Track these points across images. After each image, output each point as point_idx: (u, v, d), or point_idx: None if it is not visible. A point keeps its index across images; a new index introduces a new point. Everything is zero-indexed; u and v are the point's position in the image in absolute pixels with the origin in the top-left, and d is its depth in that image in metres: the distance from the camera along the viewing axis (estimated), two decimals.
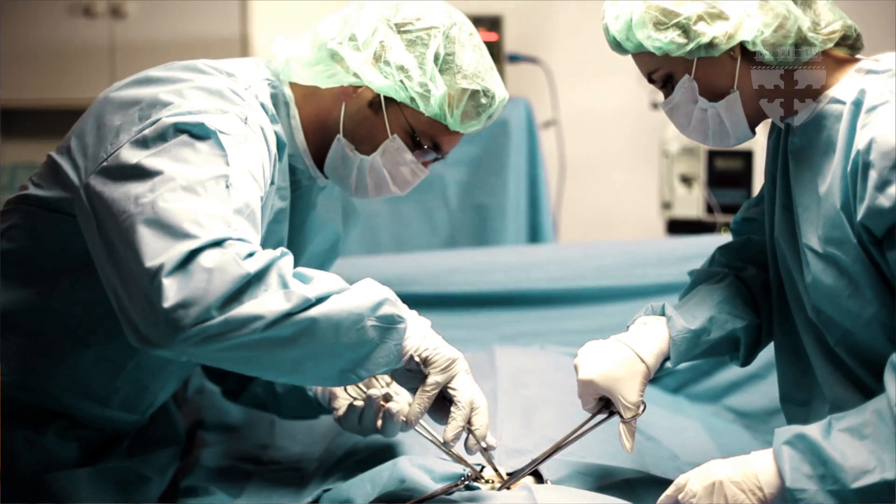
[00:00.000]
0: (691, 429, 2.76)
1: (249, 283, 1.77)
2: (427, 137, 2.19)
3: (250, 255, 1.79)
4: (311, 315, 1.80)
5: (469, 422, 1.97)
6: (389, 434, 2.22)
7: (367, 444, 2.34)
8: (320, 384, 2.15)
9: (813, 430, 1.79)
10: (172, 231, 1.78)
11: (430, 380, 1.94)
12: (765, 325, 2.20)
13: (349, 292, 1.86)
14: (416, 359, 1.93)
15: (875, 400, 1.79)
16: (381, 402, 2.19)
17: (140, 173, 1.88)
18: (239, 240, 1.80)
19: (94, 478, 2.22)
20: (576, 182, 4.97)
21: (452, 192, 4.36)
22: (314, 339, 1.81)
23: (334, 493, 2.16)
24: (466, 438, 1.99)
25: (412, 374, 1.98)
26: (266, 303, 1.77)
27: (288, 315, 1.78)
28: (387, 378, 2.26)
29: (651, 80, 2.05)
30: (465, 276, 3.34)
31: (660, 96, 2.09)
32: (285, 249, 1.86)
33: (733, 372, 3.03)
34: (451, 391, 1.96)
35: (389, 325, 1.89)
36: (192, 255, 1.75)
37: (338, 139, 2.20)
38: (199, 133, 1.92)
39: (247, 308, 1.76)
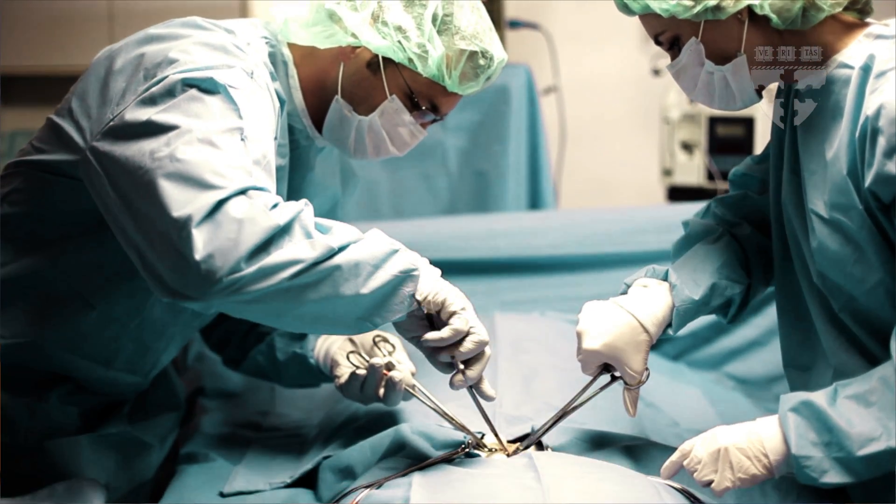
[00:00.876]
0: (692, 396, 2.76)
1: (277, 234, 1.77)
2: (425, 98, 2.17)
3: (275, 205, 1.79)
4: (335, 263, 1.81)
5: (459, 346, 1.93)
6: (391, 403, 2.22)
7: (368, 411, 2.34)
8: (337, 332, 2.14)
9: (819, 396, 1.79)
10: (195, 182, 1.78)
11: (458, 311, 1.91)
12: (754, 285, 2.20)
13: (365, 241, 1.87)
14: (432, 300, 1.91)
15: (881, 367, 1.78)
16: (384, 371, 2.19)
17: (152, 130, 1.87)
18: (262, 189, 1.81)
19: (94, 444, 2.22)
20: (576, 148, 4.96)
21: (452, 158, 4.34)
22: (337, 287, 1.81)
23: (334, 461, 2.16)
24: (453, 375, 1.96)
25: (418, 321, 1.96)
26: (294, 252, 1.78)
27: (315, 264, 1.79)
28: (389, 347, 2.26)
29: (658, 42, 2.03)
30: (464, 242, 3.33)
31: (662, 63, 2.08)
32: (307, 201, 1.86)
33: (734, 339, 3.03)
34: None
35: (405, 272, 1.88)
36: (220, 204, 1.76)
37: (336, 100, 2.19)
38: (208, 88, 1.92)
39: (275, 258, 1.76)
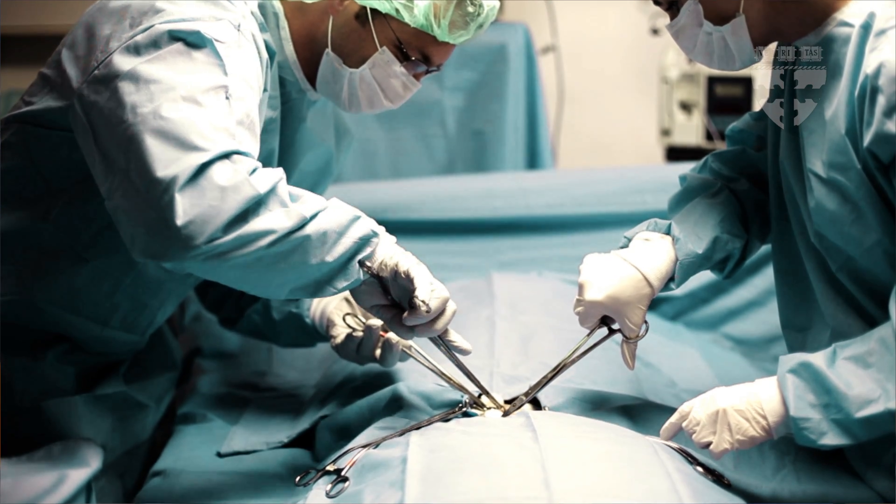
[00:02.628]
0: (689, 356, 2.76)
1: (256, 203, 1.76)
2: (415, 49, 2.16)
3: (254, 171, 1.78)
4: (306, 232, 1.81)
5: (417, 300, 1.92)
6: (388, 364, 2.22)
7: (365, 371, 2.34)
8: (298, 297, 2.13)
9: (817, 358, 1.78)
10: (179, 142, 1.76)
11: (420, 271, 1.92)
12: (751, 240, 2.20)
13: (330, 210, 1.86)
14: (388, 263, 1.91)
15: (880, 328, 1.77)
16: (381, 333, 2.19)
17: (134, 81, 1.85)
18: (244, 153, 1.79)
19: (91, 405, 2.22)
20: (574, 108, 4.94)
21: (450, 118, 4.32)
22: (306, 256, 1.82)
23: (331, 420, 2.17)
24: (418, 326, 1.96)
25: (375, 287, 1.96)
26: (271, 221, 1.77)
27: (289, 233, 1.79)
28: None
29: (656, 3, 2.02)
30: (462, 202, 3.32)
31: (660, 22, 2.06)
32: (282, 169, 1.85)
33: (732, 299, 3.03)
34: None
35: (364, 238, 1.88)
36: (203, 168, 1.74)
37: (326, 53, 2.17)
38: (194, 41, 1.89)
39: (253, 226, 1.76)
